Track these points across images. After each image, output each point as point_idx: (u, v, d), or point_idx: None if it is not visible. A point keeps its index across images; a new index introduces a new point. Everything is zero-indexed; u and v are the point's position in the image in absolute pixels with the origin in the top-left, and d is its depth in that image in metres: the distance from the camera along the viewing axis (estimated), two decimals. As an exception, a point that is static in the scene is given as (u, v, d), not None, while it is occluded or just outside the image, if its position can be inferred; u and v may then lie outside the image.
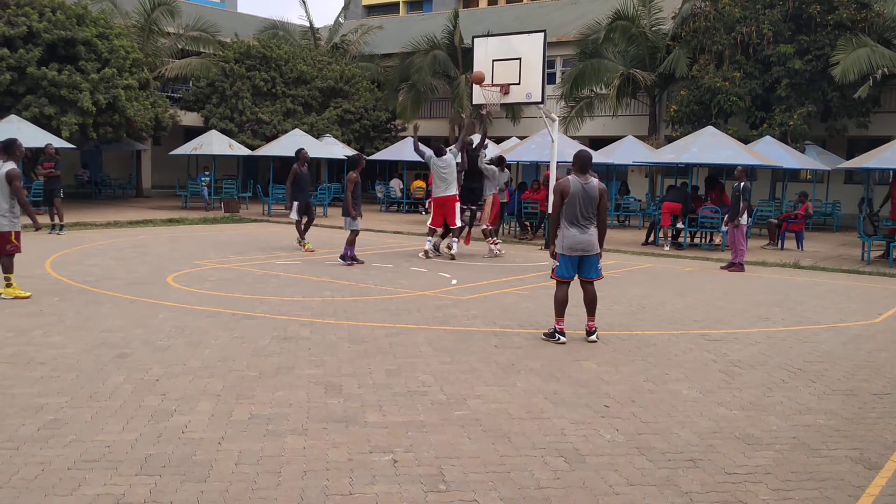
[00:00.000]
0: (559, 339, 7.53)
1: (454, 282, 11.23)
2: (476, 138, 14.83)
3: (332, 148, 27.00)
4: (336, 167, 32.84)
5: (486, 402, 5.58)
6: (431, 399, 5.63)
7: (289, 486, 4.07)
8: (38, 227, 9.56)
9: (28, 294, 9.08)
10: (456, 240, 13.97)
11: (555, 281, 7.66)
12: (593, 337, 7.66)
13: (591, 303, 7.69)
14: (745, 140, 21.84)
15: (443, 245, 14.24)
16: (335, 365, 6.50)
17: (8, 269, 9.02)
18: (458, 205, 13.83)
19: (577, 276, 7.63)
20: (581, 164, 7.53)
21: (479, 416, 5.28)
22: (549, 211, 18.10)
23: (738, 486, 4.25)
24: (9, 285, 9.04)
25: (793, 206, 19.77)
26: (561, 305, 7.57)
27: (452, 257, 13.75)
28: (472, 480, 4.20)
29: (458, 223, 13.88)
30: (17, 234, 9.07)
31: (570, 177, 7.51)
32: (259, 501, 3.88)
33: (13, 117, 20.13)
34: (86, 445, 4.52)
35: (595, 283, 7.70)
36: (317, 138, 27.12)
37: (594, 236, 7.56)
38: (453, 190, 13.78)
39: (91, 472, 4.14)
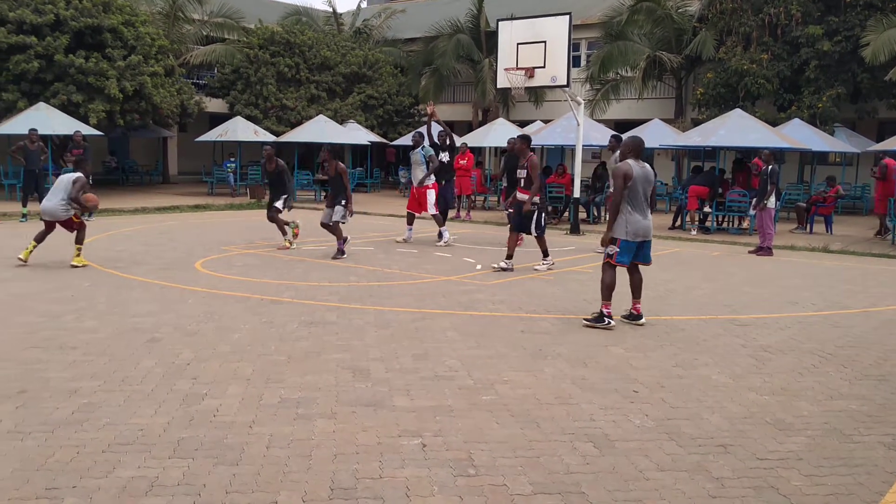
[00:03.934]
0: (609, 322, 7.47)
1: (478, 267, 11.22)
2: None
3: (356, 134, 27.03)
4: (360, 153, 32.90)
5: (514, 388, 5.58)
6: (459, 384, 5.64)
7: (319, 469, 4.10)
8: (89, 212, 10.71)
9: (88, 263, 10.41)
10: (445, 228, 13.97)
11: (605, 264, 7.59)
12: (643, 320, 7.66)
13: (639, 286, 7.72)
14: (773, 123, 21.58)
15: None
16: (362, 349, 6.53)
17: (79, 241, 10.35)
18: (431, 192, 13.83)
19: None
20: (637, 148, 7.53)
21: (507, 401, 5.28)
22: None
23: (769, 472, 4.21)
24: (78, 254, 10.32)
25: (822, 190, 19.51)
26: (610, 289, 7.51)
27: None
28: (502, 465, 4.20)
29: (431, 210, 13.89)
30: (74, 216, 10.41)
31: (630, 161, 7.45)
32: (290, 484, 3.91)
33: (41, 105, 20.33)
34: (119, 429, 4.58)
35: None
36: (340, 124, 27.16)
37: (651, 221, 7.57)
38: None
39: (125, 455, 4.20)
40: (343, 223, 11.81)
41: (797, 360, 6.55)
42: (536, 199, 10.66)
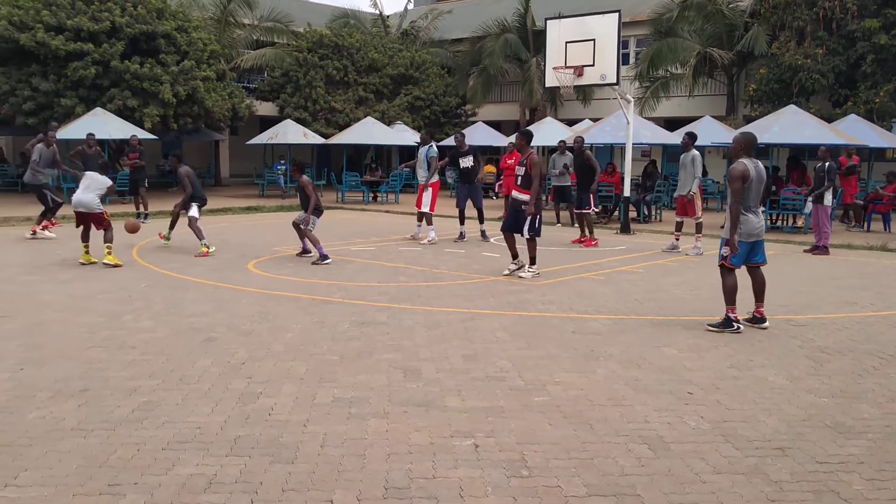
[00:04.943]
0: (738, 328, 7.33)
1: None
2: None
3: (403, 135, 27.15)
4: (407, 154, 33.03)
5: (566, 389, 5.55)
6: (510, 384, 5.63)
7: (373, 468, 4.13)
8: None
9: (121, 263, 10.69)
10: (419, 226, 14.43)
11: (722, 268, 7.46)
12: (766, 324, 7.53)
13: (762, 288, 7.57)
14: (829, 119, 21.06)
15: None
16: (413, 349, 6.56)
17: (109, 240, 10.80)
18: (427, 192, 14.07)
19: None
20: (750, 145, 7.39)
21: (559, 402, 5.25)
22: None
23: (829, 476, 4.13)
24: (109, 253, 10.70)
25: (880, 187, 19.01)
26: (733, 293, 7.38)
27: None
28: (555, 466, 4.19)
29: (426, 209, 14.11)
30: (105, 212, 11.07)
31: (745, 160, 7.29)
32: (345, 483, 3.95)
33: (98, 110, 20.86)
34: (178, 427, 4.68)
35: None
36: (388, 125, 27.31)
37: (763, 219, 7.45)
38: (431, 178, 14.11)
39: (184, 453, 4.28)
40: (306, 229, 11.56)
41: (856, 362, 6.40)
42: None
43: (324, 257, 11.29)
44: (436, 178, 14.16)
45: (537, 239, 10.28)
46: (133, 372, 5.78)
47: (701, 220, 13.10)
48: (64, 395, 5.21)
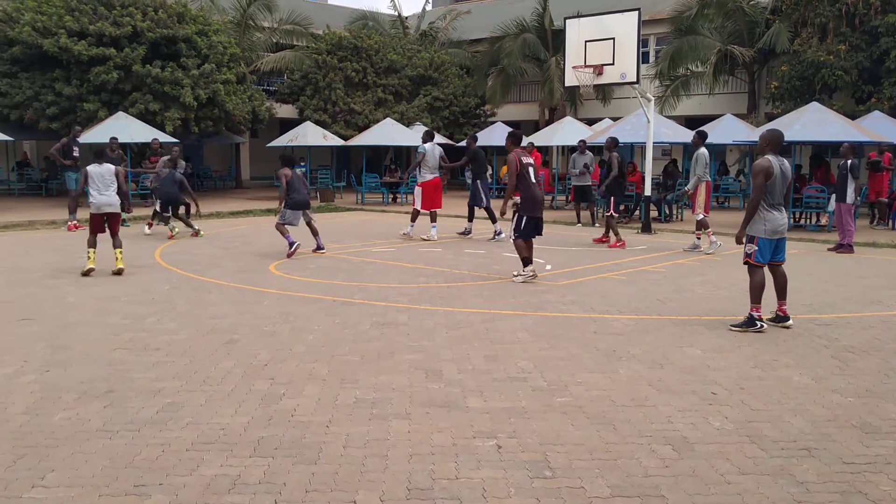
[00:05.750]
0: (761, 326, 7.27)
1: (549, 267, 11.14)
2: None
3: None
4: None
5: (589, 389, 5.52)
6: (532, 385, 5.61)
7: (396, 469, 4.13)
8: (129, 210, 11.31)
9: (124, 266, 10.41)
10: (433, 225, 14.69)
11: (748, 266, 7.40)
12: (790, 322, 7.45)
13: (784, 286, 7.50)
14: (852, 116, 20.84)
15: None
16: (434, 350, 6.56)
17: (119, 246, 10.53)
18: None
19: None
20: (776, 142, 7.33)
21: (581, 402, 5.23)
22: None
23: (856, 477, 4.08)
24: (119, 259, 10.45)
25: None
26: (760, 291, 7.32)
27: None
28: (578, 467, 4.17)
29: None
30: (120, 214, 10.84)
31: (769, 157, 7.24)
32: (368, 484, 3.95)
33: (121, 114, 21.04)
34: (202, 428, 4.70)
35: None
36: (407, 126, 27.33)
37: (786, 217, 7.38)
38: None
39: (208, 454, 4.31)
40: (283, 223, 12.10)
41: (882, 361, 6.32)
42: (517, 199, 9.77)
43: (291, 244, 11.92)
44: (428, 176, 14.41)
45: (521, 240, 9.88)
46: (157, 373, 5.83)
47: (701, 217, 12.89)
48: (89, 397, 5.27)
